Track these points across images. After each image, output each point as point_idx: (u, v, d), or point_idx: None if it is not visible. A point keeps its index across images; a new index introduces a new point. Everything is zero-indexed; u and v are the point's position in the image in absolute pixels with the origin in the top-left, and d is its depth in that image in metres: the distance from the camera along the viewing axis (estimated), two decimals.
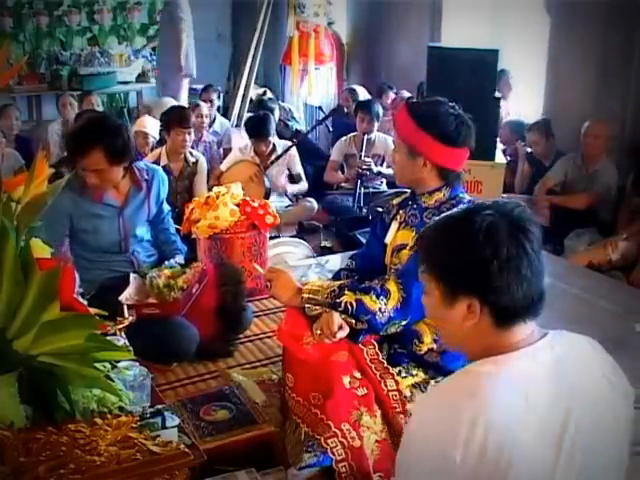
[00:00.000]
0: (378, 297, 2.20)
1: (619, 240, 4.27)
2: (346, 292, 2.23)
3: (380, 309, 2.19)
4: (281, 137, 5.55)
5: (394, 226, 2.43)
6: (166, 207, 3.30)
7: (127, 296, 2.80)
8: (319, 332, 2.29)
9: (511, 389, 1.29)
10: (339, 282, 2.33)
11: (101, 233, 3.03)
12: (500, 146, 5.15)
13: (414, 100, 2.63)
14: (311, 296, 2.30)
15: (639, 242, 4.26)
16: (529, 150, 5.31)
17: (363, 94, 6.59)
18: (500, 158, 4.69)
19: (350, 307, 2.20)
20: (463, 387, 1.32)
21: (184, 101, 6.96)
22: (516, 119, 5.66)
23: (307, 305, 2.32)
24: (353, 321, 2.24)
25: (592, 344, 1.45)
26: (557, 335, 1.41)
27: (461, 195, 2.34)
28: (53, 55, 7.99)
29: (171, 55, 6.83)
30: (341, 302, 2.21)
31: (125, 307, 2.50)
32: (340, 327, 2.27)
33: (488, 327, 1.36)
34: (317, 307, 2.31)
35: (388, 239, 2.45)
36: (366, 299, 2.20)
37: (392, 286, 2.22)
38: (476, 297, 1.34)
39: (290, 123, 6.34)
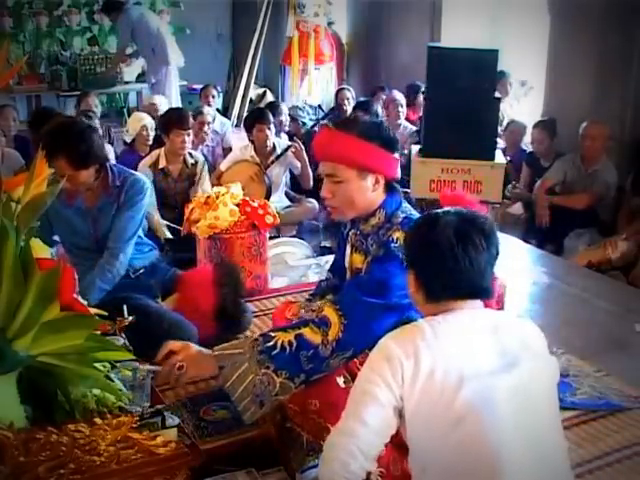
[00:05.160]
0: (319, 327, 1.97)
1: (619, 240, 4.27)
2: (277, 333, 2.00)
3: (323, 341, 1.96)
4: (291, 137, 5.53)
5: (348, 249, 2.30)
6: (133, 221, 3.03)
7: None
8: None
9: (457, 330, 1.58)
10: (257, 334, 2.08)
11: (77, 236, 3.05)
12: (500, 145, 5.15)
13: (325, 122, 2.43)
14: (227, 352, 2.00)
15: (639, 242, 4.26)
16: (530, 149, 5.31)
17: (352, 95, 6.62)
18: (500, 158, 4.69)
19: (289, 346, 1.96)
20: (416, 329, 1.61)
21: (176, 95, 7.05)
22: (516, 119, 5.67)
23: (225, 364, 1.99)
24: (287, 374, 1.95)
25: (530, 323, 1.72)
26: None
27: (397, 213, 2.13)
28: (53, 55, 7.99)
29: (158, 51, 6.95)
30: (276, 344, 1.96)
31: (125, 307, 2.49)
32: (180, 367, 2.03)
33: (423, 297, 1.68)
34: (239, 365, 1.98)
35: (346, 261, 2.30)
36: (306, 331, 1.97)
37: (330, 313, 2.00)
38: (413, 272, 1.70)
39: (304, 120, 6.37)
